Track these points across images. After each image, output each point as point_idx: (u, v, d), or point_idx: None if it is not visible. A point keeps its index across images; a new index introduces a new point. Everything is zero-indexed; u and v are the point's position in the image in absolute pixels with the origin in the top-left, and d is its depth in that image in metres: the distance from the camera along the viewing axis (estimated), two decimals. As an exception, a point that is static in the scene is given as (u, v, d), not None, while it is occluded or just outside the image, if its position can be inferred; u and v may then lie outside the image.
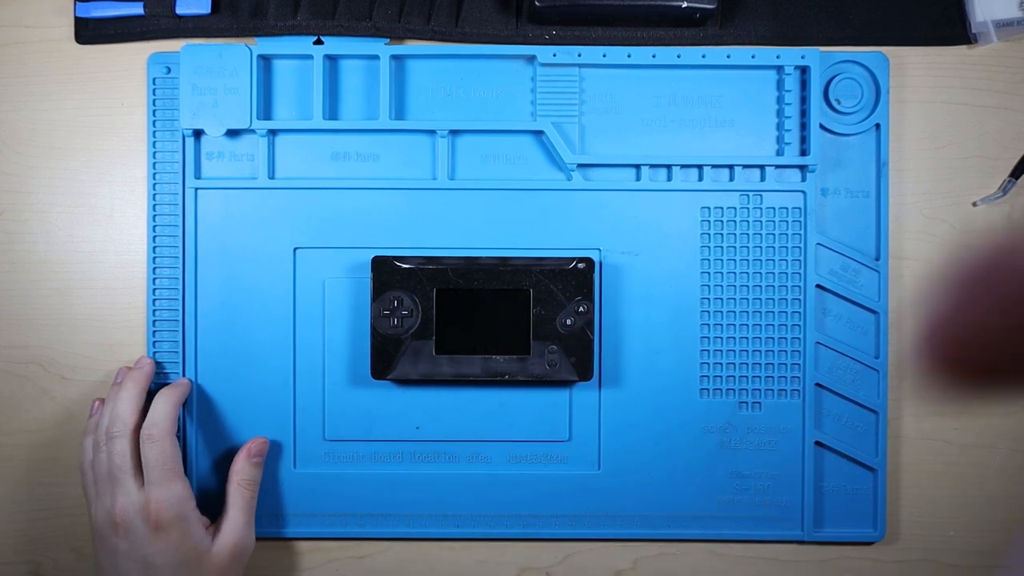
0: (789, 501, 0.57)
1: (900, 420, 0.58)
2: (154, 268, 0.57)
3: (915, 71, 0.58)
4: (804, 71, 0.56)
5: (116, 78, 0.58)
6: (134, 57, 0.57)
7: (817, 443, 0.57)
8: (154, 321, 0.57)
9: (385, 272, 0.53)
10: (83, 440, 0.55)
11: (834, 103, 0.57)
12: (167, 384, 0.56)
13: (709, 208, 0.56)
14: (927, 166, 0.58)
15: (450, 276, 0.53)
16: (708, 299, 0.57)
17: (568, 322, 0.53)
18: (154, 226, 0.57)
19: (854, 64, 0.57)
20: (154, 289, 0.57)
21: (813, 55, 0.55)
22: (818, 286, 0.56)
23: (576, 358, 0.53)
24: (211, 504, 0.56)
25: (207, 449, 0.57)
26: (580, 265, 0.53)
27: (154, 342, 0.57)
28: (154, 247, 0.57)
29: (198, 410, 0.57)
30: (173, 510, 0.50)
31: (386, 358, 0.53)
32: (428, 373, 0.53)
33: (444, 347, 0.53)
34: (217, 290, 0.56)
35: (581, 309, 0.53)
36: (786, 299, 0.56)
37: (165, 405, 0.53)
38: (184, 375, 0.57)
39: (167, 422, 0.52)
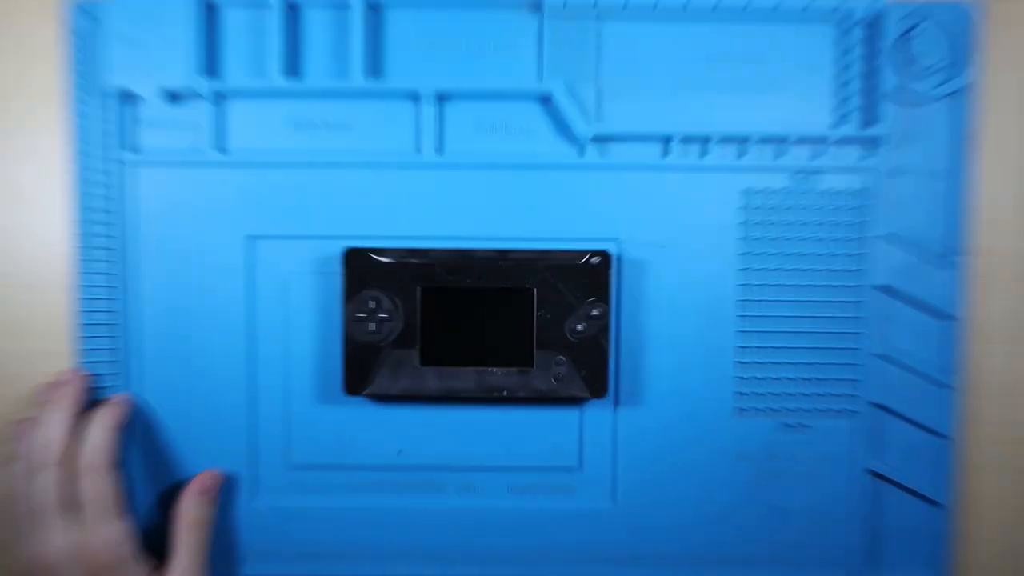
0: (840, 541, 0.50)
1: (974, 447, 0.51)
2: (81, 261, 0.49)
3: (1006, 27, 0.49)
4: (872, 23, 0.48)
5: (26, 27, 0.49)
6: (47, 0, 0.49)
7: (873, 473, 0.50)
8: (83, 325, 0.49)
9: (360, 267, 0.47)
10: (8, 469, 0.47)
11: (909, 62, 0.48)
12: (103, 402, 0.48)
13: (752, 191, 0.48)
14: (1022, 140, 0.49)
15: (438, 272, 0.47)
16: (748, 301, 0.49)
17: (579, 328, 0.47)
18: (78, 210, 0.48)
19: (935, 13, 0.48)
20: (82, 287, 0.49)
21: (883, 3, 0.47)
22: (881, 287, 0.49)
23: (588, 371, 0.47)
24: (157, 545, 0.49)
25: (151, 480, 0.50)
26: (594, 259, 0.47)
27: (84, 351, 0.49)
28: (80, 235, 0.49)
29: (141, 433, 0.49)
30: (112, 552, 0.45)
31: (362, 370, 0.47)
32: (411, 388, 0.47)
33: (430, 357, 0.47)
34: (159, 288, 0.49)
35: (595, 312, 0.47)
36: (842, 302, 0.49)
37: (103, 430, 0.46)
38: (123, 390, 0.49)
39: (106, 450, 0.46)
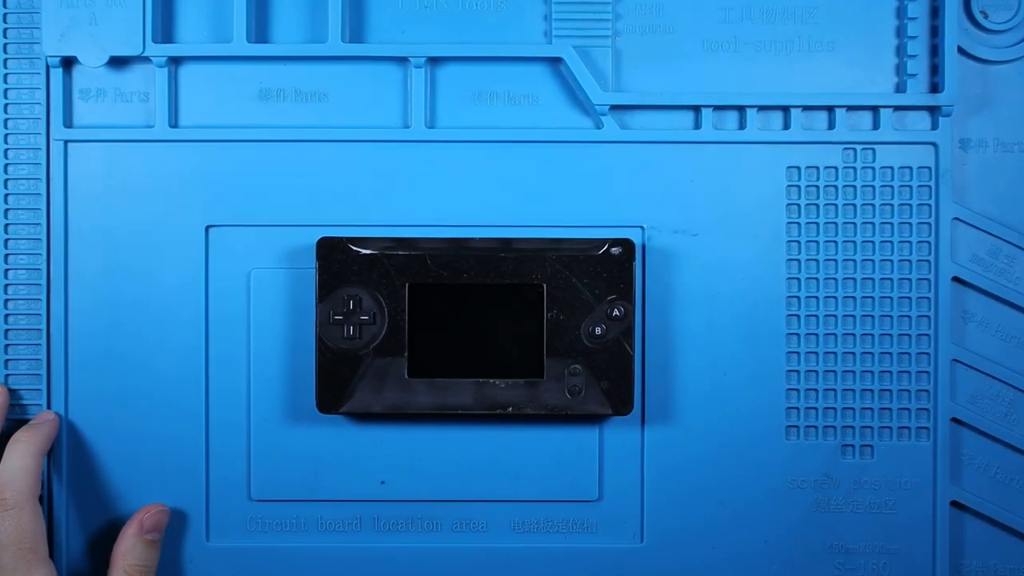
0: (913, 587, 0.45)
1: None
2: (6, 255, 0.44)
3: None
4: None
5: None
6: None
7: (954, 503, 0.44)
8: (7, 331, 0.44)
9: (337, 260, 0.43)
10: None
11: (979, 17, 0.43)
12: (26, 422, 0.43)
13: (799, 169, 0.44)
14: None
15: (429, 266, 0.43)
16: (798, 298, 0.44)
17: (598, 331, 0.43)
18: (6, 195, 0.44)
19: None
20: (7, 285, 0.44)
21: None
22: (956, 279, 0.44)
23: (609, 383, 0.43)
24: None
25: (81, 519, 0.44)
26: (615, 250, 0.43)
27: (7, 361, 0.44)
28: (6, 224, 0.44)
29: (69, 460, 0.44)
30: None
31: (337, 383, 0.43)
32: (398, 404, 0.43)
33: (421, 367, 0.43)
34: (96, 287, 0.44)
35: (616, 312, 0.43)
36: (909, 298, 0.44)
37: (24, 457, 0.41)
38: (49, 408, 0.44)
39: (27, 481, 0.41)
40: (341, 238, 0.43)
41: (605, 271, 0.43)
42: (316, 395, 0.43)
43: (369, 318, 0.43)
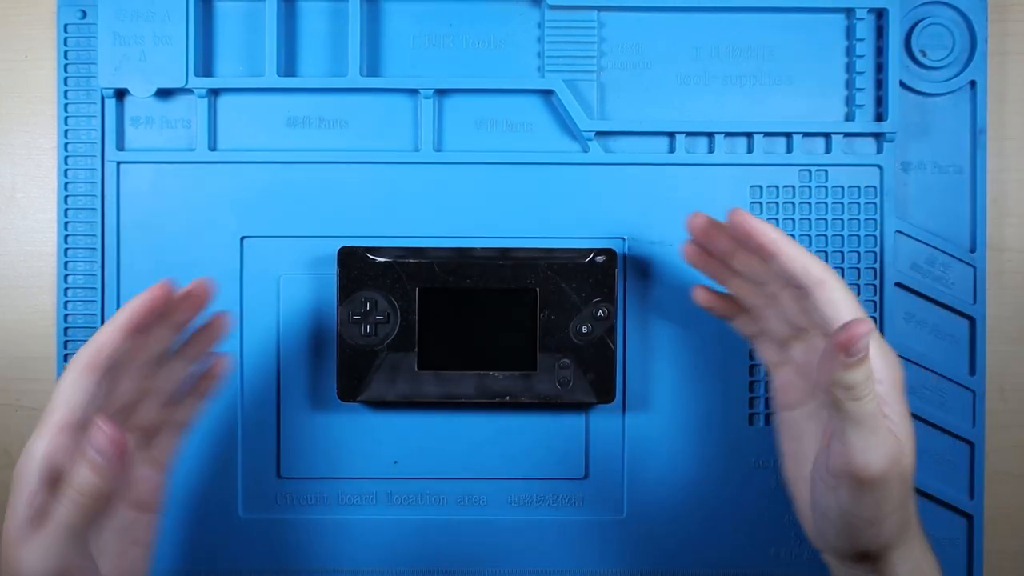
0: (862, 554, 0.46)
1: (1002, 453, 0.49)
2: (66, 262, 0.48)
3: (1019, 16, 0.48)
4: (880, 15, 0.47)
5: (17, 24, 0.49)
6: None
7: None
8: (66, 329, 0.48)
9: (355, 267, 0.46)
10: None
11: (918, 55, 0.48)
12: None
13: (761, 187, 0.47)
14: (1037, 134, 0.49)
15: (436, 272, 0.46)
16: None
17: (584, 330, 0.46)
18: (66, 209, 0.48)
19: (944, 6, 0.48)
20: (66, 288, 0.48)
21: (893, -6, 0.47)
22: (897, 284, 0.48)
23: (594, 375, 0.46)
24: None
25: None
26: (599, 258, 0.46)
27: (66, 356, 0.48)
28: (66, 236, 0.48)
29: None
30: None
31: (356, 375, 0.46)
32: (409, 394, 0.46)
33: (429, 361, 0.46)
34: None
35: (600, 313, 0.46)
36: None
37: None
38: None
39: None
40: (359, 247, 0.46)
41: (591, 277, 0.46)
42: (337, 385, 0.46)
43: (384, 318, 0.46)
